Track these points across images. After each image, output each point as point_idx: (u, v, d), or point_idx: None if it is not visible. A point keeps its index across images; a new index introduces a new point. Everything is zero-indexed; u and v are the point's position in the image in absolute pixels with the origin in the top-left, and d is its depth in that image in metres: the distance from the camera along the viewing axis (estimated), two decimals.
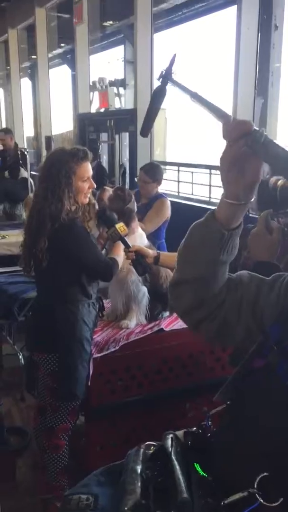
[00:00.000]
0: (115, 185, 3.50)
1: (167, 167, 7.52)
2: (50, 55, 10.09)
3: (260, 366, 0.93)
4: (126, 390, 2.31)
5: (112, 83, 8.06)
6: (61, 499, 2.07)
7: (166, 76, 1.00)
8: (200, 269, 0.97)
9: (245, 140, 0.86)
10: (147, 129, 1.11)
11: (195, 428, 1.09)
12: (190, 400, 2.47)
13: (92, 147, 5.60)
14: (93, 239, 2.20)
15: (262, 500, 0.82)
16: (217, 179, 6.47)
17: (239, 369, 0.99)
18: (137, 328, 2.40)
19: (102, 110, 7.85)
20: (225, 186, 0.93)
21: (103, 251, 2.35)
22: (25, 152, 6.04)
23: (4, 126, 12.07)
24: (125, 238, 2.21)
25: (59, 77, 12.11)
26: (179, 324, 2.46)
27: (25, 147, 8.16)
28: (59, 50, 11.17)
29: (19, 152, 6.04)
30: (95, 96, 8.10)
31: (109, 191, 2.41)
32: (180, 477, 0.93)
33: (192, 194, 7.17)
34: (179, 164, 7.49)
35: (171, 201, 3.68)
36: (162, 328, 2.41)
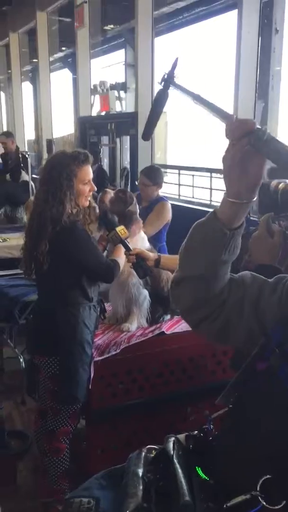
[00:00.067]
0: (116, 188, 3.50)
1: (168, 170, 7.52)
2: (51, 59, 10.12)
3: (262, 369, 0.93)
4: (127, 394, 2.31)
5: (113, 87, 8.06)
6: (62, 502, 2.07)
7: (168, 80, 1.00)
8: (202, 268, 0.97)
9: (248, 139, 0.86)
10: (149, 133, 1.11)
11: (196, 431, 1.09)
12: (192, 403, 2.46)
13: (93, 150, 5.62)
14: (94, 241, 2.20)
15: (264, 503, 0.81)
16: (218, 182, 6.47)
17: (241, 372, 0.99)
18: (138, 331, 2.40)
19: (103, 113, 7.85)
20: (227, 185, 0.93)
21: (104, 253, 2.35)
22: (26, 155, 6.06)
23: (5, 129, 12.10)
24: (125, 241, 2.21)
25: (60, 81, 12.14)
26: (180, 327, 2.46)
27: (26, 150, 8.17)
28: (60, 54, 11.20)
29: (20, 155, 6.06)
30: (96, 100, 8.11)
31: (110, 193, 2.41)
32: (182, 480, 0.93)
33: (193, 197, 7.17)
34: (180, 167, 7.49)
35: (172, 204, 3.68)
36: (163, 331, 2.41)
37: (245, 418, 0.96)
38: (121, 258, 2.26)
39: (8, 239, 4.43)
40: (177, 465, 0.98)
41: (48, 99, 9.95)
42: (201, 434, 1.08)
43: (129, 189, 5.30)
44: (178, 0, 7.33)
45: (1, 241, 4.42)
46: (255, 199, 0.92)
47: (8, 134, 6.40)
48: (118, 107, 8.06)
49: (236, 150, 0.88)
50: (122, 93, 8.34)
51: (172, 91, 1.03)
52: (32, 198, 4.58)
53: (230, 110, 0.93)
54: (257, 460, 0.87)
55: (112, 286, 2.43)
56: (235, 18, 4.39)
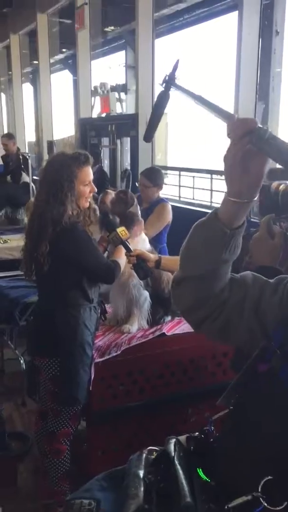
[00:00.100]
0: (117, 189, 3.51)
1: (168, 171, 7.54)
2: (51, 61, 10.15)
3: (263, 371, 0.93)
4: (127, 395, 2.31)
5: (113, 88, 8.09)
6: (63, 504, 2.08)
7: (170, 81, 1.00)
8: (202, 267, 0.97)
9: (249, 138, 0.86)
10: (150, 134, 1.11)
11: (197, 433, 1.09)
12: (192, 405, 2.46)
13: (94, 151, 5.61)
14: (94, 242, 2.20)
15: (266, 504, 0.81)
16: (218, 183, 6.48)
17: (242, 374, 0.99)
18: (138, 332, 2.40)
19: (104, 115, 7.87)
20: (228, 184, 0.93)
21: (105, 254, 2.35)
22: (27, 157, 6.07)
23: (5, 131, 12.12)
24: (126, 242, 2.21)
25: (61, 82, 12.17)
26: (181, 329, 2.46)
27: (27, 152, 8.18)
28: (61, 56, 11.24)
29: (20, 157, 6.07)
30: (97, 101, 8.13)
31: (111, 194, 2.42)
32: (183, 481, 0.93)
33: (193, 198, 7.18)
34: (180, 169, 7.51)
35: (172, 206, 3.68)
36: (164, 333, 2.41)
37: (246, 419, 0.96)
38: (122, 259, 2.26)
39: (8, 241, 4.44)
40: (178, 467, 0.97)
41: (49, 101, 9.97)
42: (202, 436, 1.07)
43: (130, 191, 5.30)
44: (178, 2, 7.36)
45: (2, 242, 4.42)
46: (256, 198, 0.92)
47: (10, 136, 6.42)
48: (118, 109, 8.08)
49: (237, 149, 0.88)
50: (122, 94, 8.37)
51: (173, 92, 1.03)
52: (32, 199, 4.59)
53: (231, 111, 0.93)
54: (258, 462, 0.87)
55: (113, 287, 2.43)
56: (235, 19, 4.41)
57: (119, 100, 8.29)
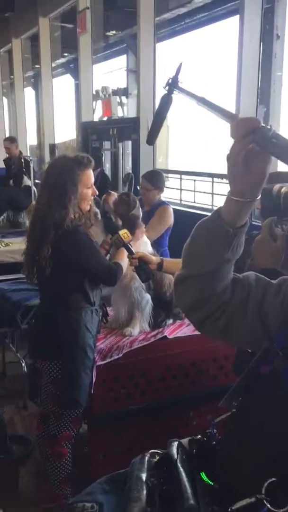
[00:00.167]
0: (119, 192, 3.52)
1: (170, 175, 7.54)
2: (53, 65, 10.19)
3: (265, 373, 0.93)
4: (129, 398, 2.31)
5: (115, 92, 8.11)
6: (64, 508, 2.07)
7: (173, 84, 1.01)
8: (205, 265, 0.97)
9: (252, 137, 0.86)
10: (153, 137, 1.11)
11: (200, 436, 1.09)
12: (194, 408, 2.46)
13: (95, 155, 5.63)
14: (96, 245, 2.20)
15: (269, 506, 0.81)
16: (219, 187, 6.48)
17: (244, 376, 0.99)
18: (140, 335, 2.40)
19: (105, 118, 7.89)
20: (231, 183, 0.93)
21: (107, 257, 2.35)
22: (29, 160, 6.09)
23: (7, 134, 12.16)
24: (128, 244, 2.21)
25: (62, 87, 12.20)
26: (183, 332, 2.46)
27: (29, 155, 8.21)
28: (62, 60, 11.27)
29: (22, 160, 6.09)
30: (98, 105, 8.15)
31: (114, 195, 2.43)
32: (186, 484, 0.93)
33: (194, 202, 7.18)
34: (181, 172, 7.51)
35: (174, 209, 3.69)
36: (165, 336, 2.41)
37: (248, 421, 0.96)
38: (124, 261, 2.26)
39: (10, 244, 4.45)
40: (181, 469, 0.97)
41: (50, 105, 10.01)
42: (205, 439, 1.07)
43: (132, 194, 5.31)
44: (180, 6, 7.38)
45: (4, 245, 4.43)
46: (259, 197, 0.92)
47: (12, 139, 6.44)
48: (120, 113, 8.10)
49: (240, 148, 0.88)
50: (124, 98, 8.39)
51: (175, 96, 1.03)
52: (34, 202, 4.60)
53: (227, 123, 0.94)
54: (261, 464, 0.87)
55: (115, 290, 2.43)
56: (236, 23, 4.42)
57: (121, 104, 8.31)
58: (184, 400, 2.42)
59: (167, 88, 1.03)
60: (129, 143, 6.48)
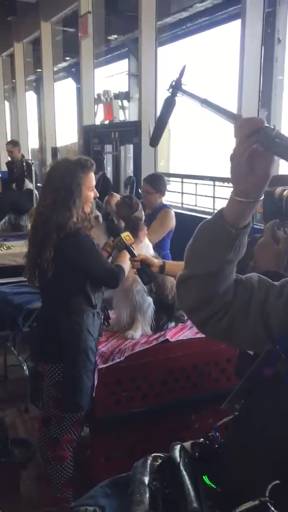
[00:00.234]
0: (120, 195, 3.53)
1: (171, 178, 7.55)
2: (55, 69, 10.22)
3: (268, 375, 0.93)
4: (131, 401, 2.30)
5: (116, 96, 8.13)
6: (66, 511, 2.06)
7: (176, 86, 1.01)
8: (207, 266, 0.97)
9: (256, 137, 0.86)
10: (156, 140, 1.12)
11: (202, 439, 1.09)
12: (196, 411, 2.45)
13: (97, 158, 5.65)
14: (98, 248, 2.21)
15: (273, 509, 0.81)
16: (221, 190, 6.49)
17: (247, 378, 0.98)
18: (142, 338, 2.40)
19: (107, 122, 7.91)
20: (234, 184, 0.93)
21: (109, 259, 2.36)
22: (31, 163, 6.10)
23: (9, 138, 12.20)
24: (130, 247, 2.22)
25: (64, 90, 12.24)
26: (185, 335, 2.46)
27: (30, 158, 8.23)
28: (64, 64, 11.31)
29: (24, 164, 6.11)
30: (100, 109, 8.17)
31: (116, 196, 2.43)
32: (189, 487, 0.93)
33: (195, 205, 7.19)
34: (182, 176, 7.52)
35: (175, 212, 3.69)
36: (167, 339, 2.41)
37: (251, 424, 0.96)
38: (126, 263, 2.26)
39: (12, 247, 4.46)
40: (184, 473, 0.97)
41: (52, 108, 10.04)
42: (207, 442, 1.07)
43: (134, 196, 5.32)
44: (181, 10, 7.41)
45: (5, 248, 4.44)
46: (262, 198, 0.92)
47: (15, 143, 6.47)
48: (121, 116, 8.12)
49: (244, 149, 0.88)
50: (125, 102, 8.40)
51: (179, 98, 1.04)
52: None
53: (231, 123, 0.94)
54: (264, 466, 0.86)
55: (116, 293, 2.43)
56: (238, 28, 4.43)
57: (122, 107, 8.32)
58: (186, 403, 2.41)
59: (170, 90, 1.03)
60: (130, 147, 6.49)
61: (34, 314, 3.06)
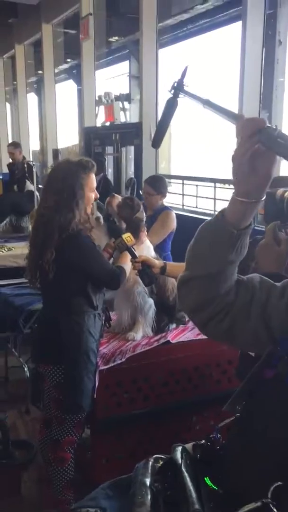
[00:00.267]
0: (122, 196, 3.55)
1: (172, 180, 7.55)
2: (56, 70, 10.24)
3: (269, 377, 0.92)
4: (132, 403, 2.30)
5: (117, 98, 8.14)
6: None
7: (178, 87, 1.01)
8: (209, 267, 0.97)
9: (258, 137, 0.86)
10: (159, 141, 1.12)
11: (203, 440, 1.08)
12: (197, 413, 2.45)
13: (98, 160, 5.65)
14: (99, 249, 2.21)
15: (275, 510, 0.81)
16: (221, 192, 6.49)
17: (248, 380, 0.98)
18: (143, 340, 2.40)
19: (108, 124, 7.92)
20: (236, 184, 0.93)
21: (111, 260, 2.36)
22: (32, 164, 6.11)
23: (10, 139, 12.22)
24: (132, 248, 2.22)
25: (65, 92, 12.26)
26: (186, 336, 2.45)
27: (31, 160, 8.24)
28: (65, 65, 11.33)
29: (25, 165, 6.12)
30: (101, 110, 8.19)
31: (118, 198, 2.44)
32: (191, 488, 0.93)
33: (196, 207, 7.19)
34: (183, 178, 7.52)
35: (176, 214, 3.69)
36: (168, 340, 2.40)
37: (252, 426, 0.96)
38: (127, 265, 2.26)
39: (13, 248, 4.46)
40: (186, 474, 0.97)
41: (53, 110, 10.06)
42: (208, 443, 1.07)
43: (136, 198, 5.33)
44: (182, 12, 7.42)
45: (6, 250, 4.44)
46: (263, 198, 0.92)
47: (16, 145, 6.48)
48: (122, 118, 8.13)
49: (246, 149, 0.88)
50: (126, 104, 8.41)
51: (181, 99, 1.04)
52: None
53: (232, 124, 0.94)
54: (266, 468, 0.86)
55: (118, 294, 2.43)
56: (238, 29, 4.44)
57: (123, 109, 8.34)
58: (187, 404, 2.41)
59: (172, 91, 1.03)
60: (131, 148, 6.49)
61: (35, 316, 3.06)
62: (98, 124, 7.99)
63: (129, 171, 6.62)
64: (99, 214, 2.69)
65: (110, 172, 7.16)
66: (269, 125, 0.86)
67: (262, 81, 4.44)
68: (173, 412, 2.38)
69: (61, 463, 2.18)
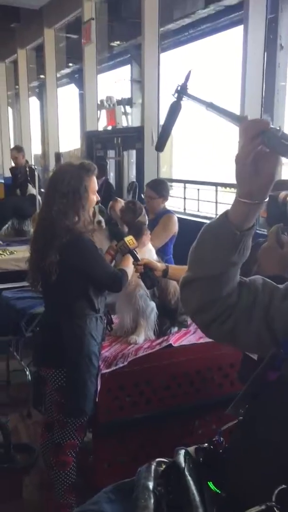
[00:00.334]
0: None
1: (174, 184, 7.57)
2: (58, 75, 10.28)
3: (273, 379, 0.92)
4: (134, 406, 2.29)
5: (119, 102, 8.18)
6: None
7: (182, 91, 1.02)
8: (211, 268, 0.97)
9: (262, 138, 0.87)
10: (162, 144, 1.12)
11: (206, 444, 1.08)
12: (199, 417, 2.44)
13: (100, 163, 5.66)
14: (101, 252, 2.21)
15: None
16: (223, 196, 6.50)
17: (251, 382, 0.98)
18: (145, 343, 2.39)
19: (110, 128, 7.94)
20: (239, 185, 0.93)
21: (113, 263, 2.36)
22: (34, 168, 6.12)
23: (12, 144, 12.25)
24: (134, 251, 2.22)
25: (67, 96, 12.31)
26: (188, 340, 2.45)
27: (33, 164, 8.26)
28: (67, 70, 11.39)
29: (27, 169, 6.13)
30: (103, 114, 8.22)
31: (121, 202, 2.44)
32: (195, 492, 0.92)
33: (198, 211, 7.19)
34: (185, 181, 7.54)
35: (178, 218, 3.69)
36: (170, 344, 2.40)
37: (255, 429, 0.95)
38: (129, 268, 2.26)
39: (15, 252, 4.46)
40: (189, 478, 0.96)
41: (55, 114, 10.08)
42: (211, 447, 1.06)
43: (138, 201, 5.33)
44: (184, 16, 7.45)
45: (8, 253, 4.44)
46: (266, 199, 0.92)
47: (19, 149, 6.49)
48: (124, 122, 8.16)
49: (249, 150, 0.88)
50: (128, 108, 8.45)
51: (184, 102, 1.04)
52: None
53: (235, 127, 0.94)
54: (269, 471, 0.86)
55: (119, 297, 2.42)
56: (240, 34, 4.46)
57: (125, 113, 8.37)
58: (190, 408, 2.40)
59: (176, 95, 1.04)
60: (133, 152, 6.51)
61: (37, 319, 3.06)
62: (100, 128, 8.01)
63: (131, 175, 6.63)
64: (100, 218, 2.70)
65: (112, 176, 7.17)
66: (273, 126, 0.86)
67: (264, 85, 4.45)
68: (175, 416, 2.37)
69: (63, 467, 2.17)
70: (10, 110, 14.15)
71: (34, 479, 2.65)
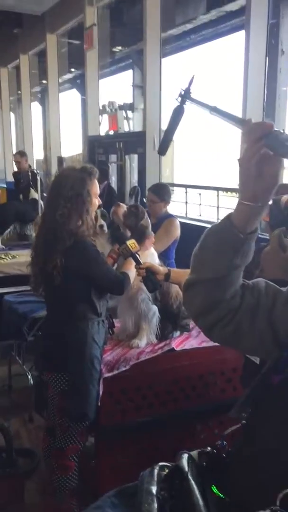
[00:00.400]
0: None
1: (175, 188, 7.57)
2: (60, 80, 10.31)
3: (276, 382, 0.92)
4: (136, 411, 2.29)
5: (121, 107, 8.21)
6: None
7: (185, 95, 1.03)
8: (214, 270, 0.97)
9: (265, 141, 0.87)
10: (165, 148, 1.13)
11: (209, 448, 1.08)
12: (201, 421, 2.43)
13: (102, 168, 5.67)
14: (103, 256, 2.21)
15: None
16: (225, 200, 6.50)
17: (254, 386, 0.98)
18: (147, 347, 2.39)
19: (112, 132, 7.97)
20: (242, 188, 0.93)
21: (115, 267, 2.36)
22: (36, 172, 6.14)
23: (14, 149, 12.29)
24: (136, 254, 2.22)
25: (69, 101, 12.35)
26: (190, 344, 2.44)
27: (36, 168, 8.29)
28: (69, 75, 11.43)
29: (29, 173, 6.15)
30: (105, 119, 8.25)
31: (123, 206, 2.45)
32: (198, 497, 0.92)
33: (199, 215, 7.19)
34: (186, 186, 7.54)
35: (180, 222, 3.70)
36: (172, 348, 2.39)
37: (259, 432, 0.95)
38: (131, 271, 2.26)
39: (17, 256, 4.46)
40: (192, 482, 0.96)
41: (57, 119, 10.11)
42: (214, 451, 1.06)
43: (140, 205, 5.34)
44: (185, 22, 7.48)
45: (11, 258, 4.45)
46: (270, 202, 0.92)
47: (22, 154, 6.53)
48: (126, 127, 8.18)
49: (253, 153, 0.88)
50: (130, 113, 8.48)
51: (187, 106, 1.05)
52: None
53: (238, 130, 0.95)
54: (273, 475, 0.86)
55: (121, 301, 2.43)
56: (241, 39, 4.47)
57: (127, 118, 8.40)
58: (192, 413, 2.39)
59: (179, 99, 1.04)
60: (135, 157, 6.52)
61: (39, 323, 3.06)
62: (102, 133, 8.04)
63: (133, 179, 6.65)
64: (103, 222, 2.70)
65: (113, 180, 7.18)
66: (276, 129, 0.86)
67: (266, 90, 4.47)
68: (177, 421, 2.37)
69: (64, 471, 2.17)
70: (12, 115, 14.19)
71: (36, 484, 2.64)
